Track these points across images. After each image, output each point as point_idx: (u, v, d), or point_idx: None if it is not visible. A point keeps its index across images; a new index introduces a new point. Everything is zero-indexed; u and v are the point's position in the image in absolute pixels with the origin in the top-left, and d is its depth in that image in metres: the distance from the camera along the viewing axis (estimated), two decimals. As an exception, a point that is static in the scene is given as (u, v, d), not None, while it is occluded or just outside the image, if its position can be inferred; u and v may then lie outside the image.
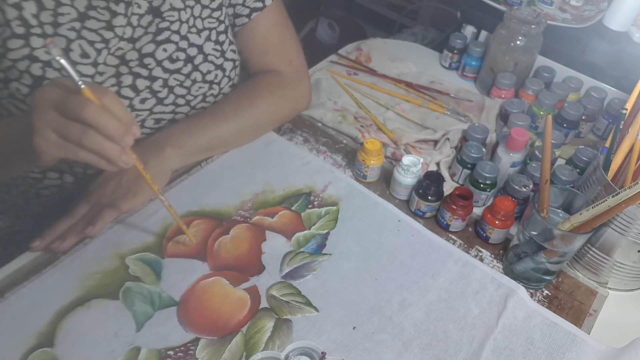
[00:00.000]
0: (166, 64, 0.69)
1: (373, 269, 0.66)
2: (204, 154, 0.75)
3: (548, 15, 1.04)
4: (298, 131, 0.85)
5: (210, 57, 0.73)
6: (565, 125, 0.86)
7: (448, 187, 0.77)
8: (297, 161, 0.79)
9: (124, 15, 0.64)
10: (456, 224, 0.72)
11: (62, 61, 0.47)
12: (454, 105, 0.93)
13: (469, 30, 1.07)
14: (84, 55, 0.63)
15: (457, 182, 0.80)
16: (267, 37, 0.80)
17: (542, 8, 1.06)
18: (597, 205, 0.59)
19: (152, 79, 0.69)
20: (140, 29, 0.66)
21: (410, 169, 0.73)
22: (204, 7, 0.71)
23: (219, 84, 0.76)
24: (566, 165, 0.76)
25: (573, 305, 0.66)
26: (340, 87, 0.95)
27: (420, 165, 0.73)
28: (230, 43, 0.76)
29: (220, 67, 0.75)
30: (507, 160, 0.76)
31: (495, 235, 0.70)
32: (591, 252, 0.67)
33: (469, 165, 0.77)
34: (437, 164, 0.82)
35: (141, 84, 0.68)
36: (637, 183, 0.56)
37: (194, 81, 0.73)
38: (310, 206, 0.73)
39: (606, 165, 0.65)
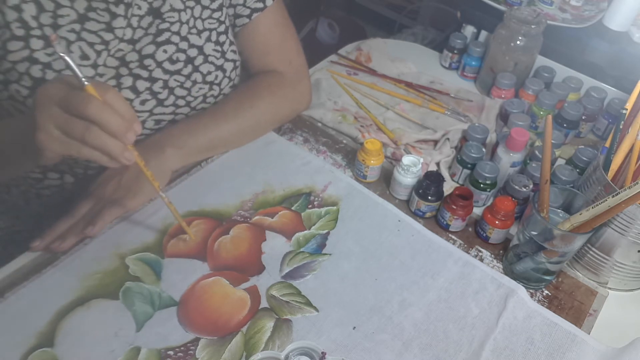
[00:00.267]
0: (166, 65, 0.69)
1: (373, 269, 0.66)
2: (204, 154, 0.75)
3: (548, 15, 1.04)
4: (298, 131, 0.85)
5: (210, 58, 0.73)
6: (565, 125, 0.86)
7: (448, 187, 0.77)
8: (297, 161, 0.79)
9: (124, 16, 0.64)
10: (456, 224, 0.72)
11: (67, 58, 0.47)
12: (454, 105, 0.93)
13: (469, 30, 1.07)
14: (84, 56, 0.63)
15: (457, 182, 0.80)
16: (267, 37, 0.80)
17: (542, 8, 1.06)
18: (597, 205, 0.59)
19: (152, 80, 0.69)
20: (140, 30, 0.67)
21: (410, 169, 0.73)
22: (204, 7, 0.71)
23: (219, 84, 0.76)
24: (566, 165, 0.76)
25: (573, 305, 0.66)
26: (340, 87, 0.95)
27: (420, 165, 0.73)
28: (231, 44, 0.76)
29: (220, 67, 0.75)
30: (507, 160, 0.76)
31: (495, 235, 0.70)
32: (591, 252, 0.67)
33: (469, 165, 0.77)
34: (437, 164, 0.82)
35: (141, 85, 0.68)
36: (637, 183, 0.56)
37: (195, 82, 0.73)
38: (310, 206, 0.73)
39: (606, 165, 0.65)
